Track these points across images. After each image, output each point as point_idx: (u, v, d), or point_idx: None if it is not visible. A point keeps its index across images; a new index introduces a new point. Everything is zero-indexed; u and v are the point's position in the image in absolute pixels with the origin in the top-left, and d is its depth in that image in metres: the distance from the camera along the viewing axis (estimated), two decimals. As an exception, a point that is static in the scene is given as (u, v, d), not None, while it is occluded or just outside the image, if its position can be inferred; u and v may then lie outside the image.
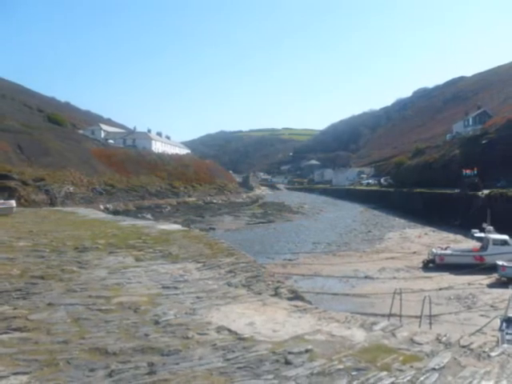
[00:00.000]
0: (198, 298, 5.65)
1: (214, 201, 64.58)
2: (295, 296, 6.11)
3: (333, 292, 17.68)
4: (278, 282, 7.03)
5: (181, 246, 9.96)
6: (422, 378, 3.32)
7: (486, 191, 39.38)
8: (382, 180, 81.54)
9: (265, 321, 4.71)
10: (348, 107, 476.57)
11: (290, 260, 25.09)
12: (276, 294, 6.12)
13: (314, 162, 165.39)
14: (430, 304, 12.31)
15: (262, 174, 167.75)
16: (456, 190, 44.41)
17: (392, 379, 3.31)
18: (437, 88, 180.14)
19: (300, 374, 3.39)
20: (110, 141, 79.54)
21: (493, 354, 3.79)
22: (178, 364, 3.60)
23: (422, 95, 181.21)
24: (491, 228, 23.92)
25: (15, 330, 4.38)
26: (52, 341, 4.12)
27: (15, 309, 5.04)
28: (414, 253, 26.93)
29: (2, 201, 22.77)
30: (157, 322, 4.66)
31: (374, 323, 4.72)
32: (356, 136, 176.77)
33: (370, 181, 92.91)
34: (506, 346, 3.73)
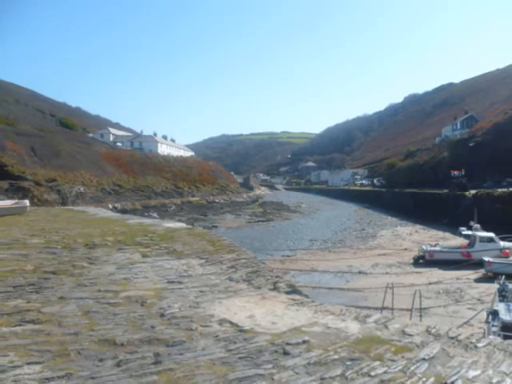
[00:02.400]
0: (201, 292, 5.64)
1: (217, 200, 64.52)
2: (293, 290, 6.10)
3: (328, 286, 17.67)
4: (277, 276, 7.03)
5: (185, 243, 9.96)
6: (412, 368, 3.32)
7: (472, 191, 39.38)
8: (375, 181, 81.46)
9: (264, 313, 4.70)
10: (343, 112, 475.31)
11: (288, 256, 25.09)
12: (275, 289, 6.11)
13: (310, 163, 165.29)
14: (420, 298, 12.31)
15: (261, 175, 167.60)
16: (445, 190, 44.41)
17: (384, 368, 3.30)
18: (427, 94, 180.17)
19: (297, 364, 3.39)
20: (119, 144, 79.51)
21: (480, 344, 3.79)
22: (182, 354, 3.60)
23: (413, 100, 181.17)
24: (478, 226, 23.91)
25: (29, 322, 4.38)
26: (63, 332, 4.12)
27: (28, 302, 5.04)
28: (405, 249, 26.91)
29: (17, 200, 22.76)
30: (162, 315, 4.65)
31: (368, 316, 4.72)
32: (350, 139, 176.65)
33: (364, 181, 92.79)
34: (492, 337, 3.73)
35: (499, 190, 36.18)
